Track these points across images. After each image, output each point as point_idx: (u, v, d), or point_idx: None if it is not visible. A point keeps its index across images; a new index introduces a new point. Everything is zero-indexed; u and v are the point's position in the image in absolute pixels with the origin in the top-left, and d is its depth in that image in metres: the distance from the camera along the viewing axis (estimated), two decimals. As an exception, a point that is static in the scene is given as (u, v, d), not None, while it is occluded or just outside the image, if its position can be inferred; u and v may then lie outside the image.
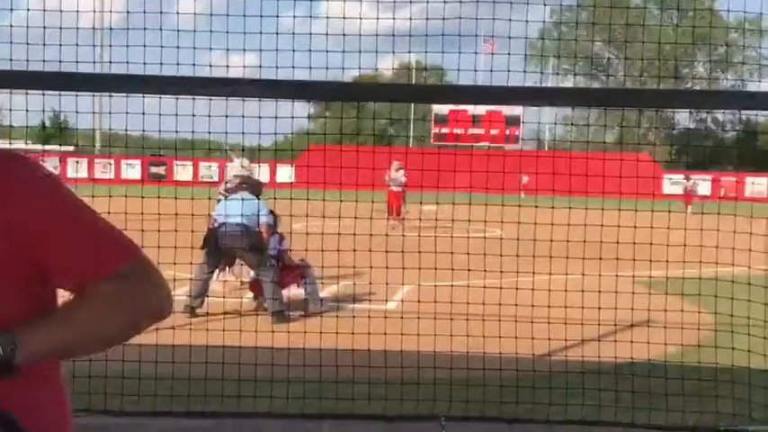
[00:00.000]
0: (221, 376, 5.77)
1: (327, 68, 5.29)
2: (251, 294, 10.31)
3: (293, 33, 5.78)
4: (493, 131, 52.87)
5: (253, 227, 9.72)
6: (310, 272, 10.01)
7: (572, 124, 7.44)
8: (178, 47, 5.53)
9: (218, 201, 10.42)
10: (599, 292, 6.28)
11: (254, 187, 10.19)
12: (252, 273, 10.19)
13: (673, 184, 43.73)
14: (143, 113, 5.91)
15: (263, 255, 9.72)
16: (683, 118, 55.97)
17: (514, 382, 5.96)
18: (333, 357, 5.85)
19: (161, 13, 5.66)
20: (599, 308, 6.35)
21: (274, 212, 9.99)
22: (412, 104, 59.06)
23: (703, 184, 41.35)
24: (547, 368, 6.21)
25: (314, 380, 5.82)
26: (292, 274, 10.04)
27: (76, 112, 5.89)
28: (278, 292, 9.56)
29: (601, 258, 6.58)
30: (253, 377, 5.75)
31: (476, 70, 6.18)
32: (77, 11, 5.63)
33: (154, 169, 48.82)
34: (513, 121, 51.87)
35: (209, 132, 5.89)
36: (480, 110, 50.21)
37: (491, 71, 5.83)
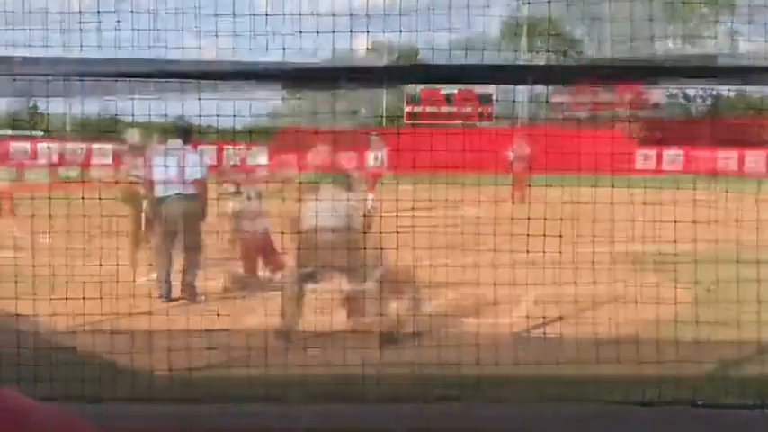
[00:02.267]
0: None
1: (301, 49, 5.24)
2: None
3: (266, 15, 5.72)
4: (465, 110, 52.87)
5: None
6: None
7: (547, 102, 7.41)
8: (151, 29, 5.46)
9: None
10: (576, 268, 6.31)
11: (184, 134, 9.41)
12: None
13: (646, 159, 43.98)
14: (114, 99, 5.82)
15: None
16: (655, 93, 56.22)
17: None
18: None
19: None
20: (575, 283, 6.39)
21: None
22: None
23: (676, 159, 41.70)
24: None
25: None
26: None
27: (47, 97, 5.80)
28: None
29: (577, 234, 6.60)
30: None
31: (450, 50, 6.12)
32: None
33: (125, 153, 48.23)
34: (485, 99, 51.89)
35: (182, 116, 5.82)
36: (452, 87, 50.21)
37: (465, 51, 5.79)
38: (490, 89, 49.99)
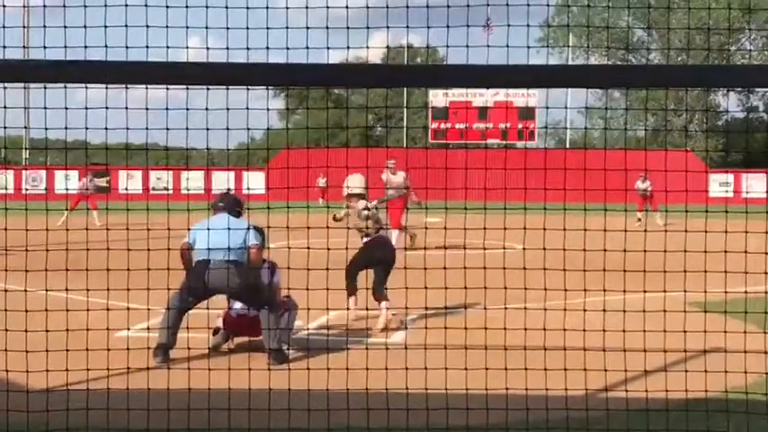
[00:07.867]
0: (208, 426, 5.71)
1: (308, 48, 5.22)
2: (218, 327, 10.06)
3: (266, 7, 5.74)
4: (503, 125, 52.84)
5: (243, 261, 9.44)
6: (293, 314, 9.83)
7: (607, 110, 7.35)
8: (126, 26, 5.47)
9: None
10: (643, 311, 6.25)
11: (232, 205, 9.87)
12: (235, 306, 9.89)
13: (721, 185, 43.75)
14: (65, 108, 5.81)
15: (260, 292, 9.48)
16: (731, 106, 56.12)
17: (564, 424, 5.91)
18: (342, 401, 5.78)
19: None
20: (644, 331, 6.33)
21: (260, 228, 9.69)
22: (404, 96, 59.22)
23: (757, 183, 41.53)
24: (603, 406, 6.12)
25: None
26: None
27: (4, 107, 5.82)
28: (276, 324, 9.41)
29: (645, 271, 6.49)
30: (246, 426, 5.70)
31: (487, 46, 6.07)
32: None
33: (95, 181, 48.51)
34: (527, 114, 51.83)
35: (168, 128, 5.82)
36: (487, 99, 50.24)
37: (505, 47, 5.74)
38: (532, 102, 50.11)
